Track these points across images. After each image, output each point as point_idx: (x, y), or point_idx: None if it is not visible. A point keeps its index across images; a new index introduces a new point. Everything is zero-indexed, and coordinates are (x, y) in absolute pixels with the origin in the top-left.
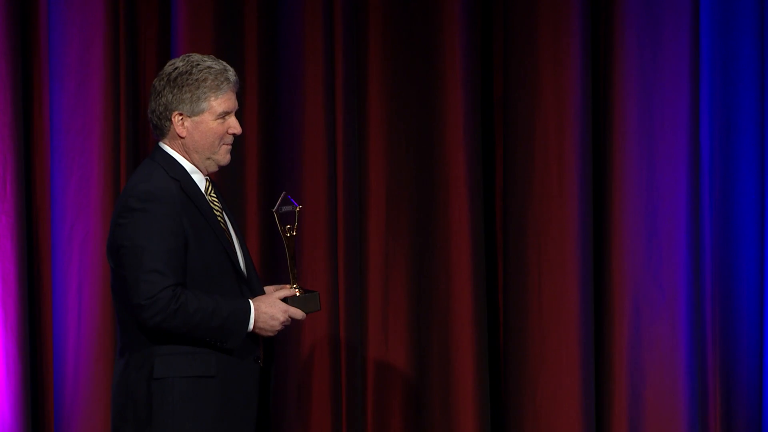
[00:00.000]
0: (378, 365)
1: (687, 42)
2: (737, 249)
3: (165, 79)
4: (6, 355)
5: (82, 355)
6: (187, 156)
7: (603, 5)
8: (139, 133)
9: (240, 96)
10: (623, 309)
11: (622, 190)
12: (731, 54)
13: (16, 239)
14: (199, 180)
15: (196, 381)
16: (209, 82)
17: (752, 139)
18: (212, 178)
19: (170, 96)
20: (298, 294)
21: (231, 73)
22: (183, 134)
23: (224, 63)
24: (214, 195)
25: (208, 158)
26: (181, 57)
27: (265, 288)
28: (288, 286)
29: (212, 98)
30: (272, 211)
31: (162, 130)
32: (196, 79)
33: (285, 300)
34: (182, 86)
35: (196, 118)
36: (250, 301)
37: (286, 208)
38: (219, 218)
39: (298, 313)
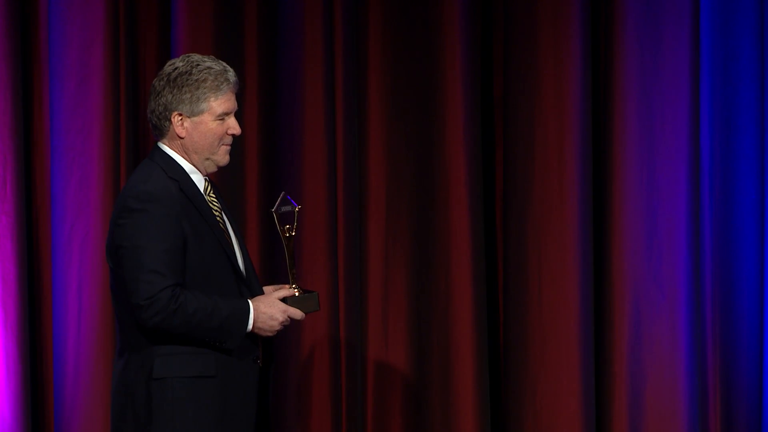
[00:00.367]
0: (378, 366)
1: (687, 42)
2: (737, 249)
3: (165, 79)
4: (6, 355)
5: (82, 355)
6: (186, 156)
7: (603, 5)
8: (139, 133)
9: (240, 96)
10: (623, 309)
11: (623, 190)
12: (731, 54)
13: (16, 239)
14: (198, 180)
15: (195, 381)
16: (209, 82)
17: (752, 139)
18: (212, 179)
19: (170, 96)
20: (297, 294)
21: (231, 74)
22: (182, 134)
23: (224, 64)
24: (213, 195)
25: (207, 159)
26: (181, 57)
27: (264, 288)
28: (287, 286)
29: (212, 99)
30: (271, 212)
31: (161, 131)
32: (196, 80)
33: (284, 300)
34: (182, 86)
35: (195, 119)
36: (249, 301)
37: (286, 208)
38: (218, 218)
39: (297, 313)
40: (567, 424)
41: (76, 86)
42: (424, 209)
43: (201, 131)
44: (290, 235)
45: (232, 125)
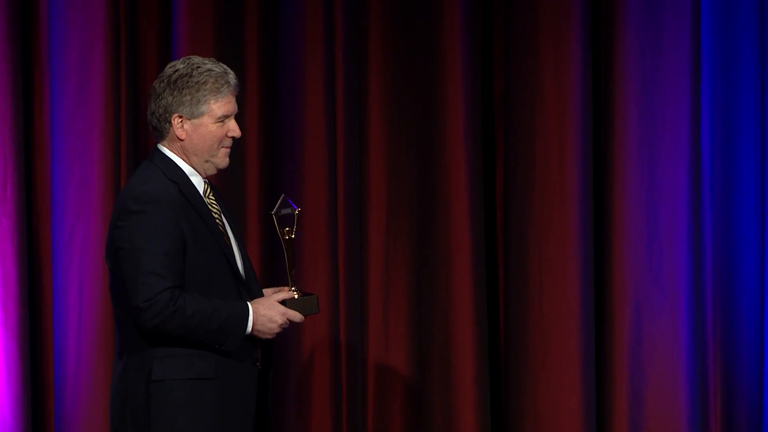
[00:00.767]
0: (378, 367)
1: (688, 43)
2: (738, 250)
3: (165, 81)
4: (6, 356)
5: (82, 356)
6: (185, 158)
7: (604, 6)
8: (139, 134)
9: (240, 98)
10: (624, 310)
11: (623, 191)
12: (732, 55)
13: (16, 240)
14: (198, 182)
15: (194, 383)
16: (209, 85)
17: (753, 140)
18: (212, 181)
19: (170, 98)
20: (296, 297)
21: (231, 76)
22: (182, 137)
23: (224, 66)
24: (213, 197)
25: (207, 161)
26: (181, 59)
27: (264, 291)
28: (287, 288)
29: (212, 101)
30: (271, 214)
31: (161, 132)
32: (197, 82)
33: (283, 302)
34: (182, 89)
35: (195, 121)
36: (249, 303)
37: (285, 211)
38: (217, 221)
39: (296, 316)
40: (568, 426)
41: (76, 88)
42: (424, 211)
43: (201, 133)
44: (290, 237)
45: (232, 128)
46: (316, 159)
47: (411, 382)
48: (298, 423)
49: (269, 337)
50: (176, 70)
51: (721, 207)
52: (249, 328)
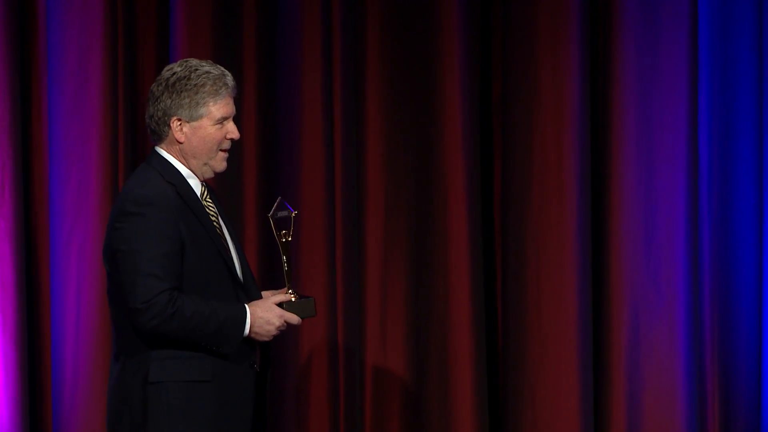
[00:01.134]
0: (376, 369)
1: (685, 46)
2: (736, 252)
3: (163, 84)
4: (5, 358)
5: (80, 358)
6: (184, 161)
7: (601, 9)
8: (137, 138)
9: (238, 101)
10: (621, 312)
11: (621, 193)
12: (730, 58)
13: (14, 243)
14: (195, 185)
15: (191, 386)
16: (208, 87)
17: (751, 143)
18: (209, 183)
19: (169, 101)
20: (294, 299)
21: (229, 78)
22: (181, 139)
23: (222, 68)
24: (210, 200)
25: (205, 164)
26: (178, 62)
27: (263, 293)
28: (284, 290)
29: (211, 103)
30: (268, 217)
31: (160, 135)
32: (195, 84)
33: (281, 305)
34: (181, 91)
35: (194, 123)
36: (246, 306)
37: (282, 214)
38: (215, 223)
39: (293, 318)
40: (565, 428)
41: (74, 91)
42: (422, 213)
43: (200, 136)
44: (287, 240)
45: (231, 130)
46: (314, 161)
47: (409, 384)
48: (296, 425)
49: (267, 339)
50: (174, 73)
51: (718, 209)
52: (246, 331)
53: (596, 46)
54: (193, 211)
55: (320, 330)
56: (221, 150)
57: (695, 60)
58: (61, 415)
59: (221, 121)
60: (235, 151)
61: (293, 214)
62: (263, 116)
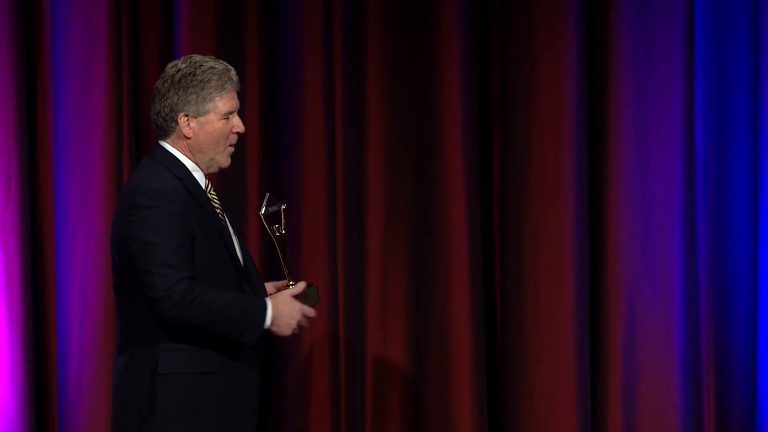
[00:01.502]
0: (377, 362)
1: (681, 43)
2: (731, 247)
3: (169, 81)
4: (10, 349)
5: (85, 350)
6: (190, 156)
7: (598, 7)
8: (141, 133)
9: (241, 96)
10: (618, 305)
11: (618, 189)
12: (725, 55)
13: (20, 236)
14: (200, 178)
15: (199, 377)
16: (213, 82)
17: (746, 138)
18: (212, 179)
19: (176, 98)
20: (297, 288)
21: (233, 73)
22: (189, 135)
23: (226, 63)
24: (214, 193)
25: (212, 158)
26: (182, 59)
27: (265, 284)
28: (285, 282)
29: (217, 98)
30: (260, 215)
31: (167, 131)
32: (201, 80)
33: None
34: (187, 87)
35: (201, 119)
36: (267, 299)
37: (272, 209)
38: (220, 216)
39: (310, 311)
40: (563, 419)
41: (78, 87)
42: (422, 208)
43: (207, 131)
44: (280, 233)
45: (237, 123)
46: (316, 157)
47: (409, 376)
48: (297, 418)
49: (285, 334)
50: (179, 70)
51: (714, 204)
52: (268, 322)
53: (593, 43)
54: (200, 204)
55: (321, 322)
56: (229, 145)
57: (691, 56)
58: (66, 406)
59: (227, 115)
60: (237, 145)
61: (282, 207)
62: (265, 111)
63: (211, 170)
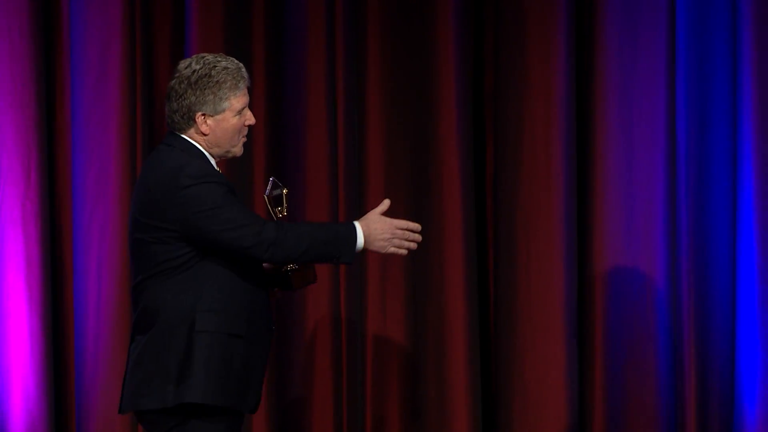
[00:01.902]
0: (377, 341)
1: (663, 43)
2: (711, 233)
3: (185, 81)
4: (30, 331)
5: (101, 331)
6: (206, 147)
7: (586, 8)
8: (154, 125)
9: (249, 91)
10: (604, 291)
11: (604, 179)
12: (706, 52)
13: (40, 224)
14: (215, 165)
15: (229, 338)
16: (228, 82)
17: (725, 131)
18: (221, 169)
19: (193, 98)
20: (295, 267)
21: (244, 71)
22: (207, 132)
23: (236, 61)
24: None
25: (227, 150)
26: (194, 59)
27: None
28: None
29: (232, 97)
30: (264, 197)
31: (183, 127)
32: (217, 81)
33: (287, 272)
34: (204, 88)
35: (218, 117)
36: (354, 221)
37: (276, 192)
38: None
39: (408, 223)
40: (553, 396)
41: (95, 82)
42: (419, 197)
43: (224, 127)
44: (283, 215)
45: (249, 117)
46: (319, 148)
47: (407, 354)
48: (301, 392)
49: (386, 251)
50: (194, 71)
51: (695, 194)
52: (361, 240)
53: (581, 41)
54: (227, 186)
55: (324, 304)
56: (242, 137)
57: (672, 52)
58: (83, 385)
59: (240, 111)
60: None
61: (285, 191)
62: (271, 106)
63: (229, 156)
